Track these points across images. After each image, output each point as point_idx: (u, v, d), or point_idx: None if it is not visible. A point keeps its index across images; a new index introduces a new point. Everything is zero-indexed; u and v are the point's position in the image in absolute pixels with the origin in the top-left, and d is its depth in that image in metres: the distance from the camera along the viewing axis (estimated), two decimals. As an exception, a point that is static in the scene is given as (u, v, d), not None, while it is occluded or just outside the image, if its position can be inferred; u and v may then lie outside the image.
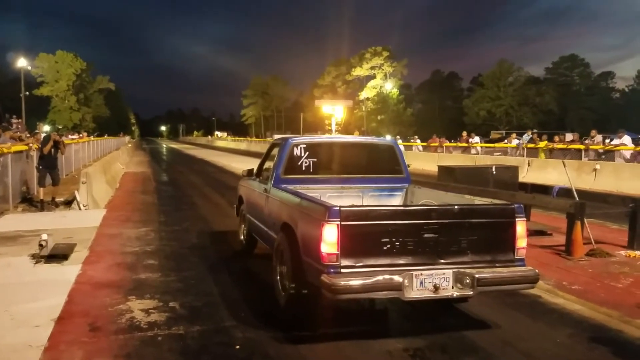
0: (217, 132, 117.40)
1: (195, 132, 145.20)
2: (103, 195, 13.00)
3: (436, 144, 30.14)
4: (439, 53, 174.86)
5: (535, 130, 28.83)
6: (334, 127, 20.55)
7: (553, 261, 7.19)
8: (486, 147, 28.42)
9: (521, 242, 4.60)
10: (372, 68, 71.90)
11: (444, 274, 4.31)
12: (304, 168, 6.29)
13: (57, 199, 12.03)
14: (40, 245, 6.85)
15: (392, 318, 5.19)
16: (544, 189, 9.99)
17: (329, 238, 4.14)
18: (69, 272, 6.29)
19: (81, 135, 23.46)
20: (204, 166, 29.48)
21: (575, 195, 8.32)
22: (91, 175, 12.29)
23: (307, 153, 6.35)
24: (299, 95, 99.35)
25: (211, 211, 12.01)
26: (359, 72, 72.93)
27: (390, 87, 71.45)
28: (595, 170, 16.85)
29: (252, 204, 7.10)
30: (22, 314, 4.83)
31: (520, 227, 4.59)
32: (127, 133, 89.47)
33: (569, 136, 25.34)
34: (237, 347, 4.27)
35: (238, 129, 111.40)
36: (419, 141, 33.88)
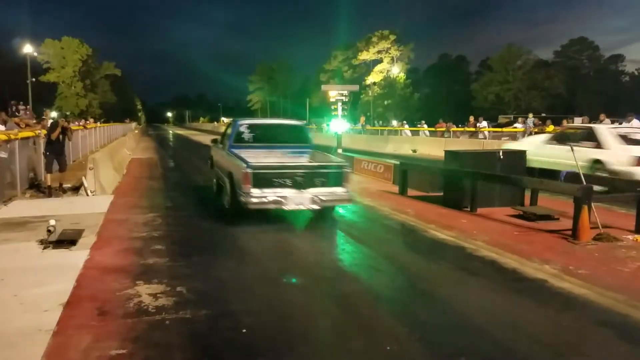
0: (223, 118, 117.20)
1: (201, 118, 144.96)
2: (110, 181, 13.06)
3: (443, 129, 30.00)
4: (447, 36, 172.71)
5: (543, 115, 28.57)
6: (340, 113, 20.41)
7: (560, 246, 7.17)
8: (494, 131, 28.27)
9: (346, 181, 8.36)
10: (378, 52, 71.28)
11: (305, 196, 8.01)
12: (246, 139, 9.80)
13: (64, 185, 12.09)
14: (49, 230, 6.91)
15: (397, 301, 5.21)
16: (551, 174, 9.94)
17: (246, 178, 7.79)
18: (77, 257, 6.34)
19: (84, 124, 23.51)
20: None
21: (583, 180, 8.28)
22: (98, 161, 12.33)
23: (248, 129, 9.93)
24: (305, 80, 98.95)
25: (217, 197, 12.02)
26: (365, 56, 72.33)
27: (397, 72, 70.93)
28: (603, 154, 16.70)
29: (217, 161, 10.92)
30: (31, 299, 4.88)
31: (346, 174, 8.40)
32: (134, 119, 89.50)
33: (577, 120, 25.13)
34: (244, 330, 4.30)
35: (244, 115, 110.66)
36: (425, 126, 33.72)
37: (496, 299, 5.17)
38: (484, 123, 28.24)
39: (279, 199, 7.91)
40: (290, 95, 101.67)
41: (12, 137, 11.04)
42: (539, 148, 13.43)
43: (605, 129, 12.55)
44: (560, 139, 13.43)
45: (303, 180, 8.06)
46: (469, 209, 9.84)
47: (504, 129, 28.45)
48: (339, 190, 8.29)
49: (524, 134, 23.94)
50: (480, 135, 26.64)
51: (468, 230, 8.13)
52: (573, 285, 5.52)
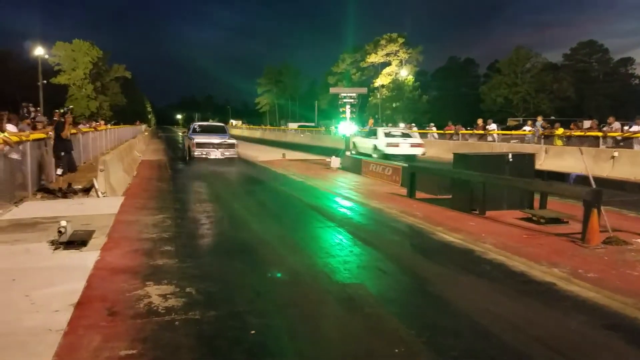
0: (231, 121, 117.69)
1: (210, 120, 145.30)
2: (120, 183, 13.16)
3: (452, 132, 29.91)
4: (455, 39, 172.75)
5: (552, 117, 28.46)
6: (348, 115, 20.47)
7: (569, 249, 7.15)
8: (503, 134, 28.17)
9: (237, 148, 21.17)
10: (387, 55, 71.17)
11: (218, 153, 20.40)
12: (198, 131, 22.39)
13: (75, 187, 12.18)
14: (59, 231, 6.97)
15: (405, 303, 5.22)
16: (560, 177, 9.93)
17: (192, 145, 20.43)
18: (87, 258, 6.40)
19: (94, 126, 24.77)
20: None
21: (592, 183, 8.25)
22: (109, 163, 12.44)
23: (200, 126, 23.78)
24: (313, 82, 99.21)
25: (226, 198, 12.09)
26: (373, 59, 72.25)
27: (406, 74, 70.82)
28: (613, 157, 16.64)
29: (184, 142, 23.78)
30: (42, 299, 4.93)
31: (236, 145, 21.06)
32: (144, 121, 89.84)
33: (586, 123, 25.01)
34: (252, 332, 4.33)
35: (252, 117, 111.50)
36: (434, 128, 33.62)
37: (504, 301, 5.17)
38: (493, 126, 28.13)
39: (206, 153, 20.12)
40: (299, 98, 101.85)
41: (24, 138, 11.15)
42: (359, 139, 23.83)
43: (380, 130, 22.82)
44: (367, 134, 23.89)
45: (217, 146, 20.36)
46: (477, 212, 9.83)
47: (513, 132, 28.35)
48: (232, 151, 20.64)
49: (534, 136, 23.85)
50: (489, 138, 26.55)
51: (476, 233, 8.12)
52: (582, 288, 5.50)
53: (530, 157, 10.76)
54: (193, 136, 21.07)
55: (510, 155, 10.37)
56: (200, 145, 20.13)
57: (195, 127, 22.92)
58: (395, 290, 5.67)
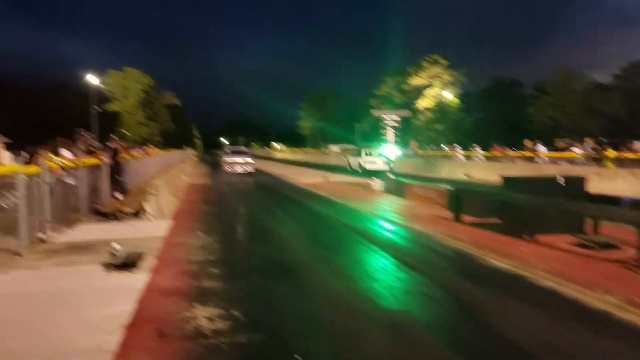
0: (273, 144, 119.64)
1: (252, 144, 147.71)
2: (169, 206, 13.48)
3: (498, 154, 29.43)
4: (500, 59, 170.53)
5: (601, 138, 27.65)
6: (393, 138, 20.43)
7: (623, 276, 6.87)
8: (551, 156, 27.52)
9: (253, 165, 32.81)
10: (430, 77, 70.97)
11: (241, 168, 31.56)
12: (228, 152, 33.92)
13: (126, 210, 12.55)
14: (112, 253, 7.20)
15: (453, 330, 5.11)
16: (613, 200, 9.60)
17: (223, 162, 33.52)
18: (138, 279, 6.57)
19: (145, 151, 26.57)
20: (263, 177, 29.93)
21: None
22: (159, 187, 12.78)
23: (230, 149, 35.52)
24: (354, 106, 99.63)
25: (269, 221, 12.20)
26: (416, 81, 72.08)
27: (450, 96, 70.27)
28: (669, 179, 16.00)
29: (220, 160, 36.32)
30: (94, 320, 5.09)
31: (254, 164, 32.95)
32: (192, 146, 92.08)
33: (637, 144, 24.16)
34: (298, 357, 4.33)
35: (294, 140, 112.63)
36: (478, 150, 33.17)
37: (556, 330, 5.00)
38: (542, 147, 27.53)
39: (233, 168, 31.35)
40: (340, 121, 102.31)
41: (79, 164, 11.61)
42: (352, 158, 35.51)
43: (362, 151, 33.27)
44: (352, 154, 35.96)
45: (240, 164, 31.64)
46: (527, 236, 9.59)
47: (562, 154, 27.67)
48: (251, 167, 31.73)
49: (583, 159, 23.22)
50: (539, 160, 25.97)
51: (526, 258, 7.91)
52: (637, 316, 5.28)
53: (581, 180, 10.47)
54: (224, 156, 33.37)
55: (560, 178, 10.12)
56: (228, 163, 31.85)
57: (227, 150, 34.93)
58: (443, 317, 5.57)
